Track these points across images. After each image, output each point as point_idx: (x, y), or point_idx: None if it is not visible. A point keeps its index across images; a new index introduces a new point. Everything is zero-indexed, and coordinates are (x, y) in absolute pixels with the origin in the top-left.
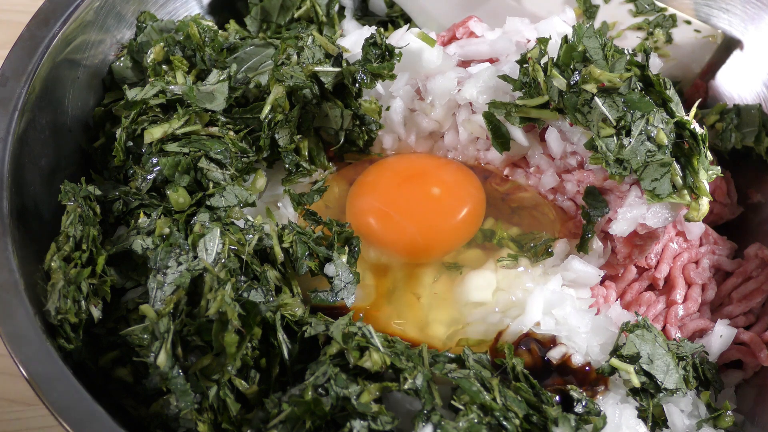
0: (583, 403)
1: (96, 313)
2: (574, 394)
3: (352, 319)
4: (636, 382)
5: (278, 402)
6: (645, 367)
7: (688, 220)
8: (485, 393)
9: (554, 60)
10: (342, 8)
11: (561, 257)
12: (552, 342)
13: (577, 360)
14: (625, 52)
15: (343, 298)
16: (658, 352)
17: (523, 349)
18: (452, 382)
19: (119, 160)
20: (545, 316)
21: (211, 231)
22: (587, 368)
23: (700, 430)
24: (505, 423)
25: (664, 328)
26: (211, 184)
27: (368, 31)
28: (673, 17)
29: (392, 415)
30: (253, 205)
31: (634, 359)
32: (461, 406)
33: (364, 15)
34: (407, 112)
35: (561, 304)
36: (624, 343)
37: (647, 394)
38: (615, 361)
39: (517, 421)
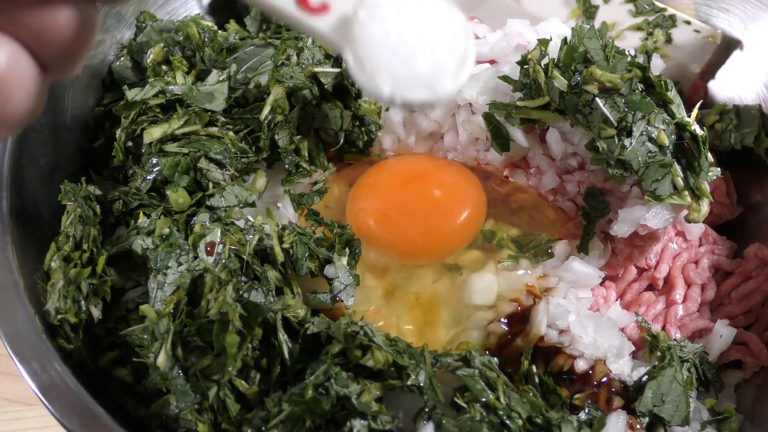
0: (587, 411)
1: (96, 313)
2: (578, 404)
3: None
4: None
5: (278, 401)
6: (655, 410)
7: (689, 221)
8: (489, 392)
9: (555, 61)
10: None
11: (561, 258)
12: (556, 351)
13: (581, 366)
14: (626, 53)
15: (342, 300)
16: (675, 390)
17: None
18: (456, 381)
19: (119, 161)
20: (549, 329)
21: (212, 231)
22: (590, 372)
23: (703, 430)
24: (508, 422)
25: (663, 328)
26: (210, 185)
27: None
28: (672, 17)
29: (393, 415)
30: (253, 205)
31: (645, 414)
32: (464, 404)
33: None
34: (407, 113)
35: (565, 316)
36: (640, 388)
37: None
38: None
39: (521, 422)
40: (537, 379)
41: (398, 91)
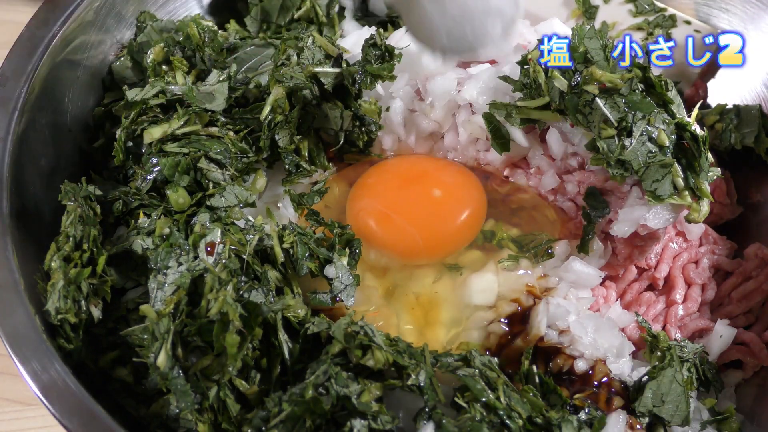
0: (587, 411)
1: (96, 313)
2: (578, 404)
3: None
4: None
5: (278, 401)
6: (655, 410)
7: (689, 221)
8: (489, 392)
9: None
10: (342, 9)
11: (562, 258)
12: (556, 351)
13: (581, 366)
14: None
15: (342, 300)
16: (675, 390)
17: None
18: (456, 381)
19: (119, 160)
20: (549, 329)
21: (212, 231)
22: (590, 372)
23: (704, 430)
24: (508, 422)
25: (664, 328)
26: (211, 185)
27: (368, 31)
28: (672, 17)
29: (393, 415)
30: (253, 205)
31: (645, 414)
32: (464, 404)
33: (364, 15)
34: (407, 113)
35: (564, 317)
36: (640, 389)
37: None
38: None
39: (521, 422)
40: (537, 379)
41: (447, 54)
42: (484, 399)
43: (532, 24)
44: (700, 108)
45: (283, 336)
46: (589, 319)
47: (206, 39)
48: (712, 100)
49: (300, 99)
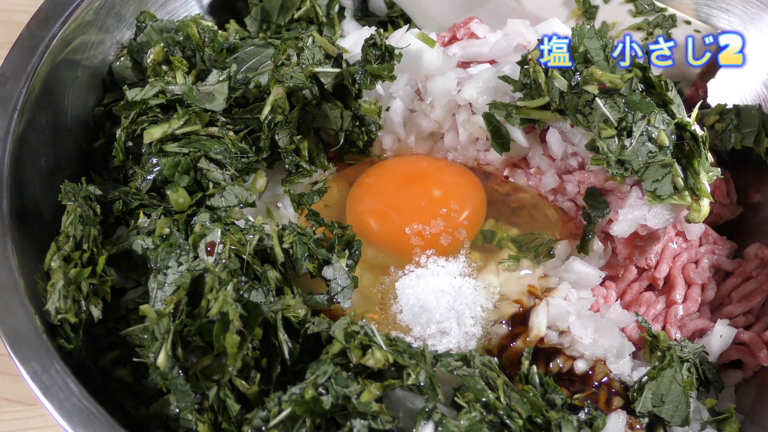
0: (586, 410)
1: (96, 313)
2: (578, 404)
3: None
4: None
5: (278, 401)
6: (655, 410)
7: (689, 221)
8: (489, 391)
9: None
10: (342, 9)
11: (562, 258)
12: (556, 351)
13: (581, 367)
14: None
15: (339, 302)
16: (674, 390)
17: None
18: (456, 381)
19: (119, 160)
20: (549, 330)
21: (212, 231)
22: (590, 372)
23: (703, 430)
24: (508, 422)
25: (664, 328)
26: (211, 185)
27: (368, 31)
28: (672, 17)
29: (392, 415)
30: (253, 205)
31: (645, 415)
32: (464, 404)
33: (364, 15)
34: (407, 113)
35: (565, 318)
36: (640, 389)
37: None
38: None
39: (521, 422)
40: (537, 380)
41: None
42: (484, 399)
43: (532, 24)
44: (700, 108)
45: (283, 336)
46: (590, 319)
47: (206, 39)
48: (712, 100)
49: (300, 99)
